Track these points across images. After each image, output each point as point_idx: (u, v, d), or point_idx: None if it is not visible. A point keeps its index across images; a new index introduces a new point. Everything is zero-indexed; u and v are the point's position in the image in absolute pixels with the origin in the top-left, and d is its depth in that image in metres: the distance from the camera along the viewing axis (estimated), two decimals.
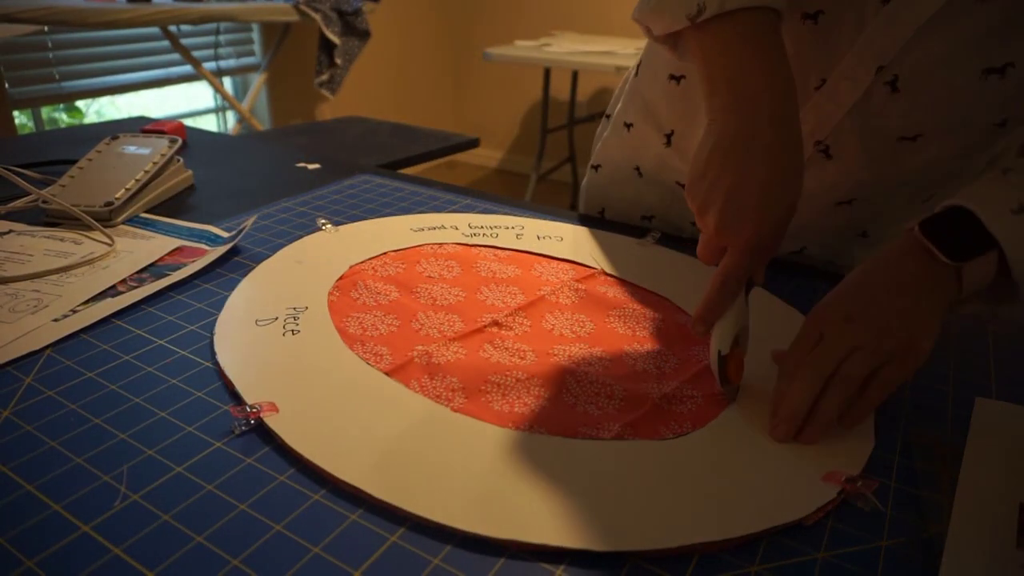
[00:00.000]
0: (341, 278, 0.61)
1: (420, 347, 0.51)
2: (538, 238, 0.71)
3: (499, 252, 0.68)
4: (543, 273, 0.64)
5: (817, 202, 0.61)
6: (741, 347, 0.46)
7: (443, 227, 0.73)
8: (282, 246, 0.68)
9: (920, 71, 0.51)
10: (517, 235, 0.72)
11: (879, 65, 0.52)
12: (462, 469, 0.39)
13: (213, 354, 0.49)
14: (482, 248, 0.69)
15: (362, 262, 0.64)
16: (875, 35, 0.51)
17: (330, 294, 0.58)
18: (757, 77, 0.44)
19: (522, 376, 0.49)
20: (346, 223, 0.73)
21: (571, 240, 0.71)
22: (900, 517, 0.37)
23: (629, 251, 0.70)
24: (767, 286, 0.60)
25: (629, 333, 0.55)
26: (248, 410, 0.43)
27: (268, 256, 0.65)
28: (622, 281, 0.63)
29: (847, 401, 0.42)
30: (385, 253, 0.66)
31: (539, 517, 0.36)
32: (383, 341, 0.52)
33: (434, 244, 0.69)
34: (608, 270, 0.65)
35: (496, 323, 0.55)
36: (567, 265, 0.66)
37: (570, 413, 0.45)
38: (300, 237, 0.70)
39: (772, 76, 0.44)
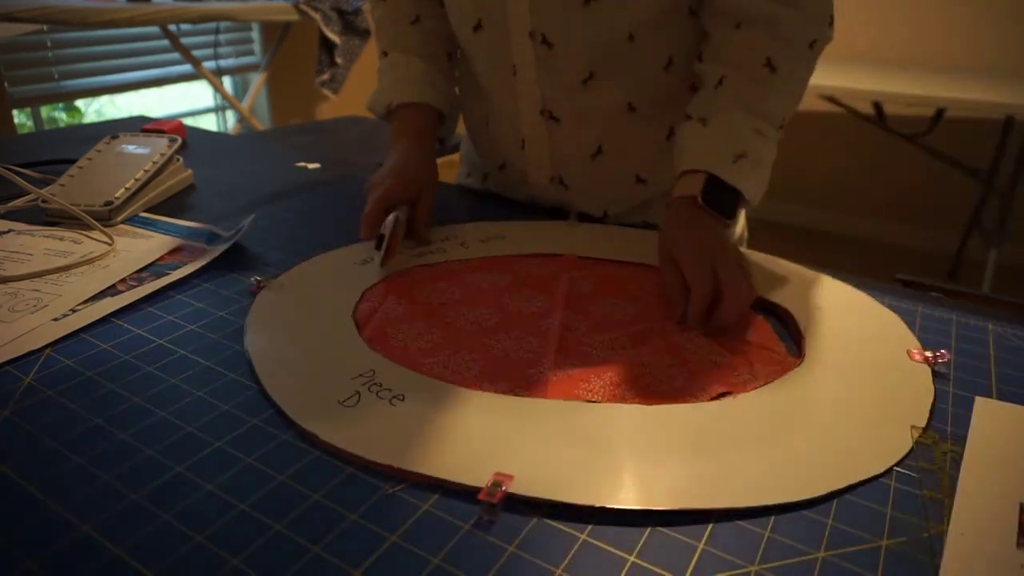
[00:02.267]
0: (366, 333, 0.53)
1: (531, 370, 0.49)
2: (482, 241, 0.70)
3: (468, 263, 0.66)
4: (532, 271, 0.64)
5: (577, 163, 0.76)
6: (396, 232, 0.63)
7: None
8: (282, 246, 0.68)
9: (553, 24, 0.67)
10: (462, 244, 0.69)
11: (528, 31, 0.68)
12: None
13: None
14: (444, 264, 0.65)
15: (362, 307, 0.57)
16: (513, 10, 0.67)
17: (372, 346, 0.51)
18: (404, 139, 0.76)
19: (648, 361, 0.50)
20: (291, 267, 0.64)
21: (516, 236, 0.71)
22: (900, 517, 0.37)
23: (569, 233, 0.73)
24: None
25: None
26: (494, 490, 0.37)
27: (264, 255, 0.65)
28: (597, 260, 0.67)
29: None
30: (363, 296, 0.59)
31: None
32: (502, 376, 0.48)
33: (393, 275, 0.63)
34: (580, 253, 0.68)
35: (566, 328, 0.54)
36: (540, 258, 0.67)
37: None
38: (292, 236, 0.70)
39: (409, 138, 0.76)
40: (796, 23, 0.63)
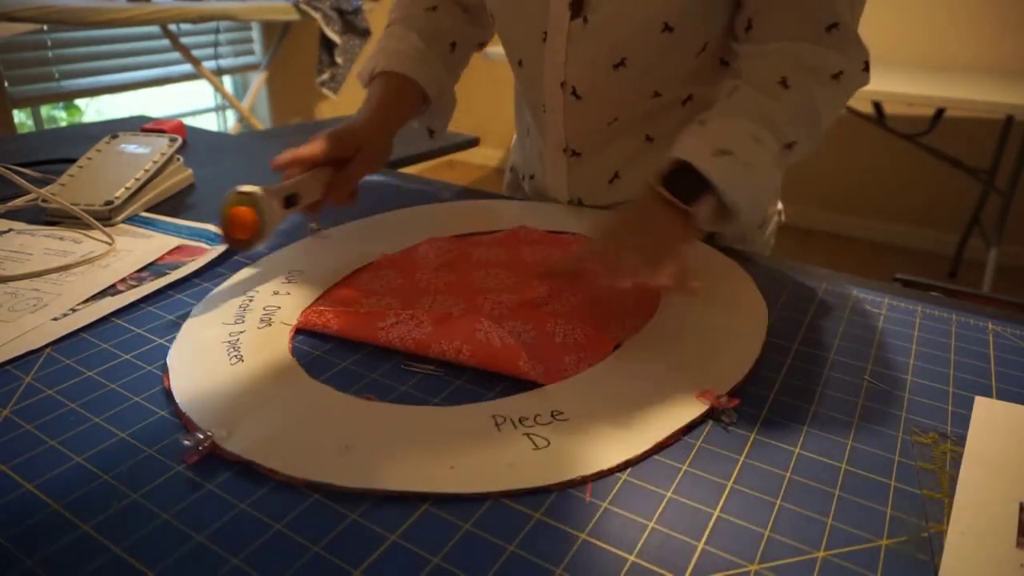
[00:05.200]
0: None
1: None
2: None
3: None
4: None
5: (594, 188, 0.78)
6: (264, 207, 0.59)
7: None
8: (282, 245, 0.68)
9: (584, 81, 0.70)
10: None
11: (560, 82, 0.71)
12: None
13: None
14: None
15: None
16: (549, 58, 0.70)
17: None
18: (364, 106, 0.74)
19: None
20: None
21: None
22: (900, 517, 0.37)
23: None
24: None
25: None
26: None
27: (264, 254, 0.65)
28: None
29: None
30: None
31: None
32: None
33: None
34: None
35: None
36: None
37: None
38: (297, 237, 0.70)
39: (368, 104, 0.74)
40: (821, 56, 0.63)
